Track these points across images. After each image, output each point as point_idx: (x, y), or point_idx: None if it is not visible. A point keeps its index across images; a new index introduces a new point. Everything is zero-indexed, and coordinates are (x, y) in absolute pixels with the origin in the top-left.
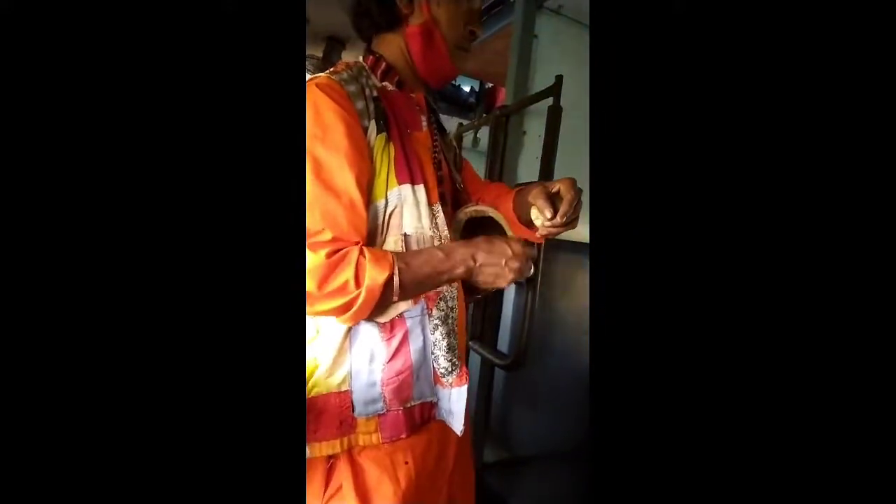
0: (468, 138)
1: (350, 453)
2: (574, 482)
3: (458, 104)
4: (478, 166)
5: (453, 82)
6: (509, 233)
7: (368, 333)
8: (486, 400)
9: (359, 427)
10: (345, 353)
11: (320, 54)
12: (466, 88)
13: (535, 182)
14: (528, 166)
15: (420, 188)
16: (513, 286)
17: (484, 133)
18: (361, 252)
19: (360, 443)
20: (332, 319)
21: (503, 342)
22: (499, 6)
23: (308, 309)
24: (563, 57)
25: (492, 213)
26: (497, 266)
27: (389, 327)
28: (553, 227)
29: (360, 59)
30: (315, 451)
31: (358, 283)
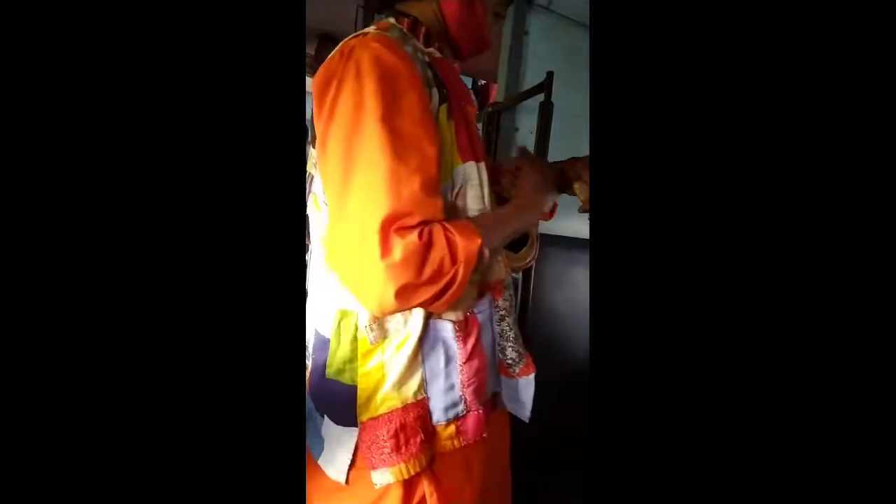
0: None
1: (429, 464)
2: (572, 477)
3: None
4: None
5: None
6: None
7: (443, 335)
8: None
9: (439, 433)
10: (418, 358)
11: (312, 52)
12: None
13: (559, 161)
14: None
15: (482, 166)
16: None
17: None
18: (445, 227)
19: (441, 451)
20: (402, 323)
21: None
22: None
23: (401, 304)
24: (553, 53)
25: (505, 193)
26: (537, 195)
27: (464, 325)
28: None
29: (392, 20)
30: (400, 473)
31: (454, 260)
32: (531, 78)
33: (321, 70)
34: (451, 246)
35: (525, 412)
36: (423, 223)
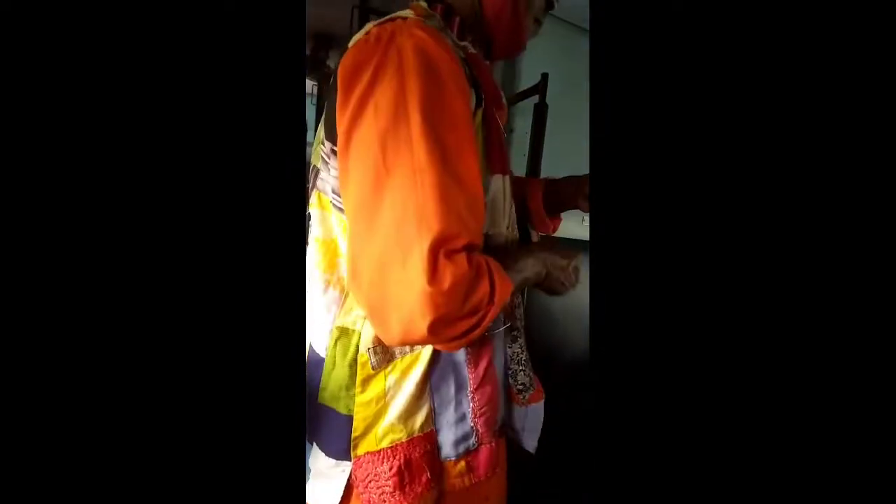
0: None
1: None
2: (569, 472)
3: None
4: None
5: None
6: (530, 227)
7: (455, 358)
8: None
9: (447, 471)
10: (426, 386)
11: (308, 51)
12: None
13: (572, 176)
14: (515, 163)
15: (507, 180)
16: None
17: None
18: (488, 261)
19: (449, 489)
20: (408, 347)
21: None
22: None
23: (430, 338)
24: (548, 55)
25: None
26: (566, 274)
27: (477, 348)
28: None
29: (423, 3)
30: None
31: (491, 299)
32: (526, 80)
33: (351, 55)
34: (492, 283)
35: (532, 442)
36: (470, 247)
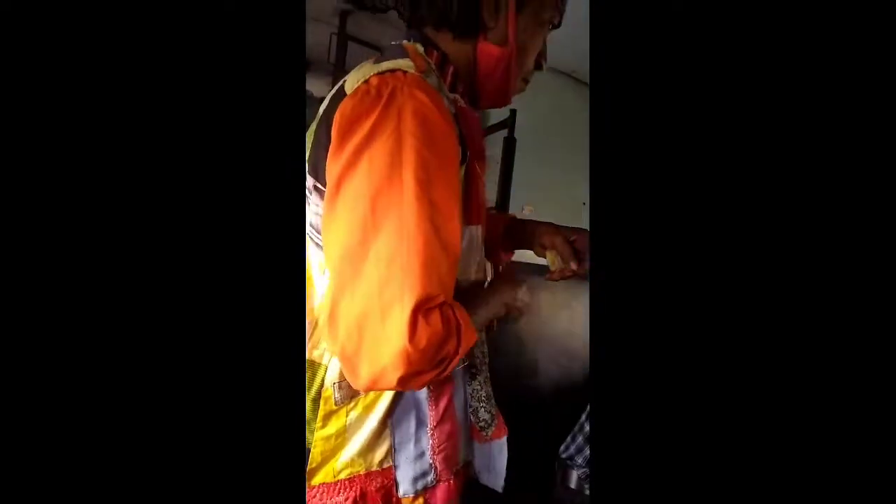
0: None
1: None
2: (550, 497)
3: None
4: None
5: None
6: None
7: (414, 396)
8: None
9: None
10: (387, 423)
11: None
12: None
13: (539, 222)
14: (487, 189)
15: (479, 229)
16: None
17: None
18: (454, 312)
19: None
20: None
21: None
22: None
23: (400, 386)
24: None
25: None
26: (521, 306)
27: (438, 385)
28: (570, 274)
29: (419, 48)
30: None
31: (457, 351)
32: (496, 113)
33: (348, 104)
34: (458, 337)
35: (499, 481)
36: (443, 304)
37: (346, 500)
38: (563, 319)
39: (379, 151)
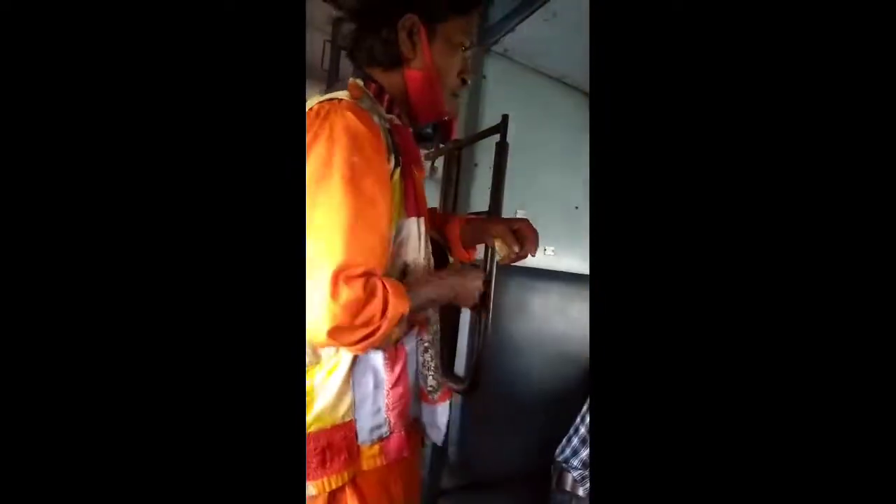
0: (426, 167)
1: (353, 480)
2: (546, 499)
3: (416, 135)
4: (434, 194)
5: None
6: (450, 255)
7: (374, 361)
8: None
9: (363, 453)
10: (349, 383)
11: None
12: None
13: (488, 216)
14: (480, 195)
15: (422, 221)
16: (467, 312)
17: (440, 163)
18: (384, 285)
19: (364, 468)
20: (333, 350)
21: (460, 367)
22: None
23: (330, 341)
24: (509, 96)
25: (438, 237)
26: (470, 289)
27: (393, 354)
28: (517, 258)
29: (360, 82)
30: (322, 487)
31: (383, 315)
32: (489, 118)
33: None
34: (384, 302)
35: (440, 436)
36: (367, 274)
37: (316, 449)
38: (558, 323)
39: (315, 155)
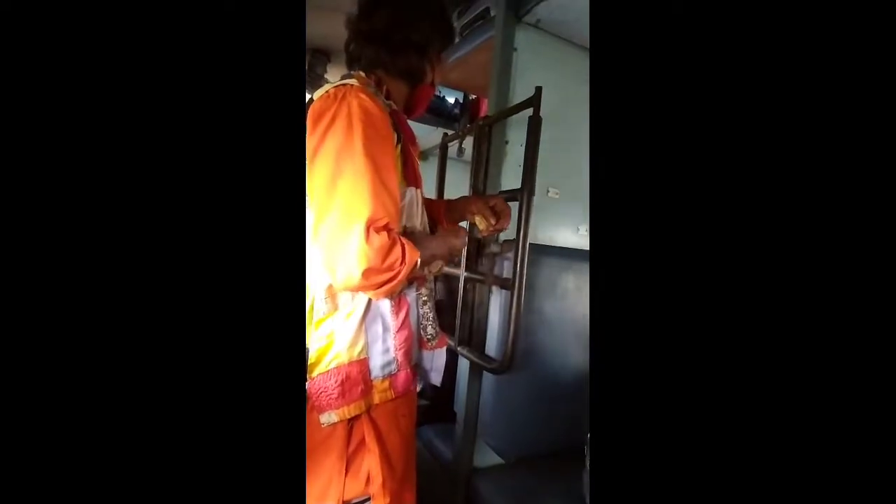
0: (453, 148)
1: (367, 410)
2: (565, 485)
3: (443, 115)
4: (463, 176)
5: (438, 94)
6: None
7: (382, 309)
8: (475, 405)
9: (376, 387)
10: (362, 326)
11: (306, 66)
12: (451, 100)
13: (465, 197)
14: (511, 173)
15: (419, 192)
16: (499, 291)
17: (468, 143)
18: (399, 236)
19: (377, 400)
20: (349, 299)
21: (491, 346)
22: (480, 21)
23: (363, 282)
24: (541, 68)
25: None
26: (459, 246)
27: (398, 303)
28: (494, 230)
29: (362, 74)
30: (344, 413)
31: (402, 261)
32: (520, 92)
33: (317, 103)
34: (403, 251)
35: (438, 378)
36: (388, 227)
37: (336, 382)
38: (586, 303)
39: (337, 130)
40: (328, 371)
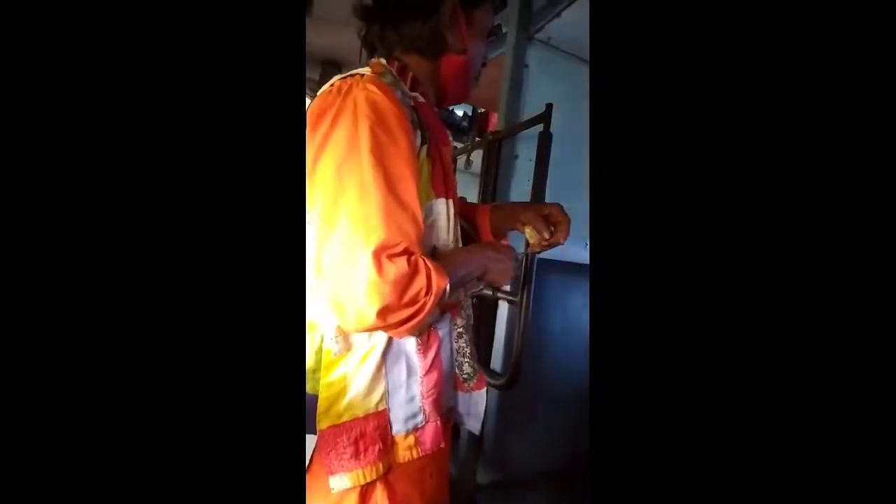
0: (461, 160)
1: (385, 473)
2: (570, 501)
3: (452, 127)
4: (471, 188)
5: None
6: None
7: (406, 348)
8: None
9: (398, 444)
10: (381, 371)
11: (317, 77)
12: (459, 112)
13: (515, 203)
14: (519, 188)
15: (451, 203)
16: (505, 306)
17: (476, 155)
18: (424, 260)
19: (399, 460)
20: (366, 338)
21: (496, 362)
22: (492, 37)
23: (378, 323)
24: (552, 85)
25: (465, 225)
26: (504, 265)
27: (426, 340)
28: (548, 245)
29: (383, 62)
30: (358, 478)
31: (428, 291)
32: (530, 108)
33: (316, 102)
34: (428, 278)
35: (477, 425)
36: (408, 252)
37: (349, 439)
38: None
39: (339, 133)
40: (340, 425)
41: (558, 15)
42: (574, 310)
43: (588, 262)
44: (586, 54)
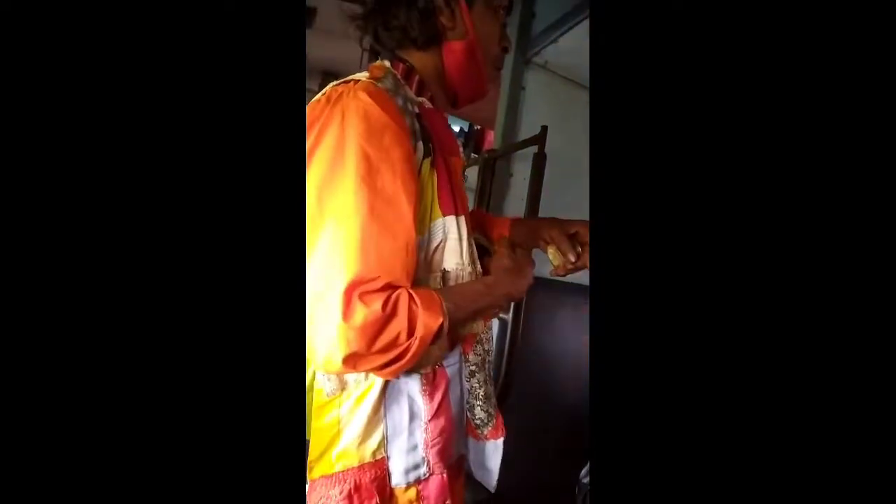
0: None
1: None
2: None
3: None
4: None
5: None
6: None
7: (408, 388)
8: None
9: (397, 498)
10: (379, 413)
11: (316, 88)
12: (456, 128)
13: (541, 218)
14: (513, 206)
15: (462, 220)
16: (495, 322)
17: (472, 172)
18: (411, 297)
19: None
20: (362, 376)
21: None
22: (508, 15)
23: (346, 369)
24: (548, 108)
25: (484, 242)
26: (525, 281)
27: (431, 379)
28: (573, 268)
29: (387, 64)
30: None
31: (410, 334)
32: (526, 130)
33: (307, 111)
34: (411, 319)
35: (492, 480)
36: (389, 287)
37: (342, 492)
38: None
39: (324, 149)
40: (333, 475)
41: (555, 41)
42: (562, 328)
43: (577, 282)
44: (582, 79)
